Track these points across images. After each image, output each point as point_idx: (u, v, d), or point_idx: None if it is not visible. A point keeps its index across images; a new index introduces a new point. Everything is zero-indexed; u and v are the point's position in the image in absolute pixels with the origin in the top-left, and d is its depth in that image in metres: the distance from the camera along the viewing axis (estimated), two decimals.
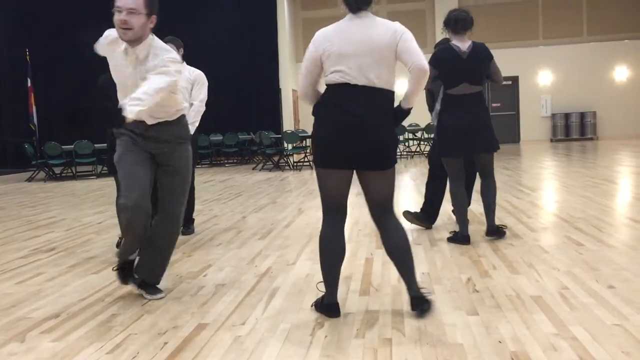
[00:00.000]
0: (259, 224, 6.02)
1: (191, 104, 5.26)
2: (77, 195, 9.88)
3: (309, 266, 4.14)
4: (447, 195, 5.17)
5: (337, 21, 2.96)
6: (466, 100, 4.47)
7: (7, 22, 17.71)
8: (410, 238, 4.81)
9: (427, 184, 5.33)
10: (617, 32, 18.66)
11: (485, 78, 4.59)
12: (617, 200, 6.51)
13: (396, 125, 2.96)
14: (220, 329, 2.97)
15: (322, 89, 3.01)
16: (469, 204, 5.05)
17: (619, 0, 18.62)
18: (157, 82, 3.03)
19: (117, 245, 4.91)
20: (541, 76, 19.19)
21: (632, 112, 18.82)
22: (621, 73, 18.79)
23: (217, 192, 9.32)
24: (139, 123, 3.26)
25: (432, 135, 5.96)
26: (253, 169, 13.84)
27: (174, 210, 3.45)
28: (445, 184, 5.23)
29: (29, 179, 13.52)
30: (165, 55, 3.18)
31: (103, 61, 3.44)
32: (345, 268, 3.97)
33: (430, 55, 4.57)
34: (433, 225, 5.32)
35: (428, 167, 5.40)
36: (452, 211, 5.43)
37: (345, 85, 2.86)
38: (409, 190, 8.35)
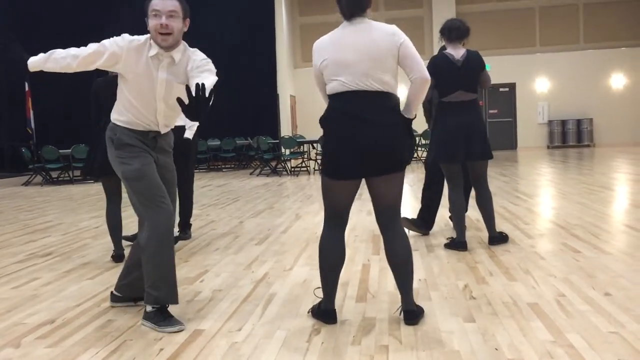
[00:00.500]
0: (256, 230, 6.01)
1: None
2: (74, 199, 9.86)
3: (306, 272, 4.13)
4: (444, 202, 5.17)
5: (335, 27, 2.98)
6: (461, 108, 4.49)
7: (5, 26, 17.71)
8: None
9: (424, 191, 5.34)
10: (614, 39, 18.75)
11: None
12: (614, 207, 6.53)
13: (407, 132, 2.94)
14: (216, 335, 2.96)
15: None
16: (466, 210, 5.06)
17: (615, 8, 18.72)
18: (211, 80, 2.89)
19: (113, 259, 4.75)
20: (538, 83, 19.26)
21: (629, 119, 18.89)
22: (618, 80, 18.87)
23: (214, 197, 9.31)
24: (150, 133, 3.18)
25: (428, 142, 6.00)
26: (250, 174, 13.83)
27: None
28: (442, 190, 5.24)
29: (26, 183, 13.49)
30: (198, 56, 3.11)
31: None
32: (342, 274, 3.97)
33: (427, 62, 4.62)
34: (430, 232, 5.32)
35: (425, 173, 5.42)
36: (449, 217, 5.43)
37: (347, 93, 2.86)
38: (406, 196, 8.35)
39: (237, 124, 16.88)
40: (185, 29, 3.11)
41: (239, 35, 17.58)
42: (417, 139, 15.67)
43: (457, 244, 4.60)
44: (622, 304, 3.12)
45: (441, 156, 4.61)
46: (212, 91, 2.68)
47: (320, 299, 3.11)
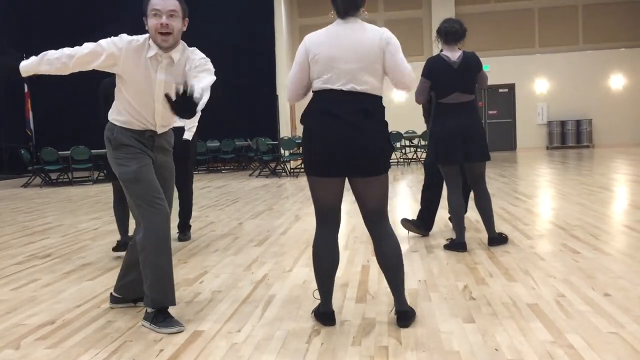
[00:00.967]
0: (255, 231, 6.01)
1: None
2: (73, 201, 9.85)
3: (306, 273, 4.13)
4: (444, 203, 5.17)
5: None
6: (458, 109, 4.50)
7: (3, 28, 17.71)
8: (407, 246, 4.85)
9: (423, 192, 5.34)
10: (613, 40, 18.77)
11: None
12: (613, 208, 6.53)
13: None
14: (216, 336, 2.96)
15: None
16: (465, 211, 5.06)
17: (615, 9, 18.75)
18: (207, 81, 2.88)
19: (114, 249, 4.88)
20: (537, 84, 19.27)
21: (628, 120, 18.91)
22: (617, 81, 18.89)
23: (213, 198, 9.31)
24: (147, 132, 3.17)
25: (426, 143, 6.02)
26: (250, 175, 13.83)
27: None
28: (441, 191, 5.24)
29: (25, 185, 13.48)
30: (197, 56, 3.09)
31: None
32: (341, 275, 3.97)
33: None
34: (429, 233, 5.32)
35: (424, 174, 5.42)
36: (449, 218, 5.44)
37: (332, 92, 2.85)
38: (405, 197, 8.35)
39: (236, 125, 16.88)
40: (184, 29, 3.10)
41: (239, 36, 17.59)
42: (416, 139, 15.69)
43: (457, 245, 4.60)
44: (622, 305, 3.12)
45: (439, 158, 4.61)
46: (205, 90, 2.69)
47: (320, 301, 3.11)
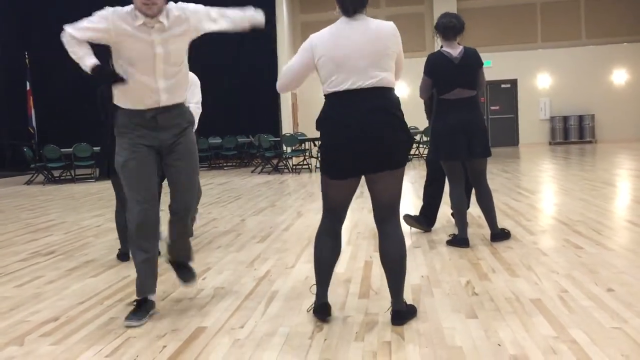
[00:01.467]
0: (258, 227, 6.02)
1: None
2: (76, 198, 9.87)
3: (308, 269, 4.13)
4: (446, 198, 5.17)
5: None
6: (460, 105, 4.49)
7: (5, 26, 17.73)
8: (409, 241, 4.85)
9: (426, 188, 5.35)
10: (615, 35, 18.70)
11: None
12: (616, 203, 6.52)
13: None
14: (219, 332, 2.96)
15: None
16: (467, 207, 5.06)
17: (617, 4, 18.67)
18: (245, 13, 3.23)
19: (118, 257, 4.77)
20: (540, 79, 19.22)
21: (631, 115, 18.86)
22: (620, 76, 18.83)
23: (216, 195, 9.32)
24: (149, 111, 3.14)
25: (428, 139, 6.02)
26: (252, 172, 13.84)
27: (183, 203, 3.28)
28: (443, 187, 5.24)
29: (28, 182, 13.51)
30: (187, 10, 3.15)
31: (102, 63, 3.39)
32: (344, 271, 3.98)
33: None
34: (432, 228, 5.32)
35: (426, 170, 5.42)
36: (452, 214, 5.43)
37: (343, 93, 2.83)
38: (408, 193, 8.35)
39: (238, 122, 16.89)
40: None
41: (240, 32, 17.55)
42: (418, 135, 15.66)
43: (459, 240, 4.60)
44: (625, 300, 3.12)
45: (441, 153, 4.60)
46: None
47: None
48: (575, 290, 3.34)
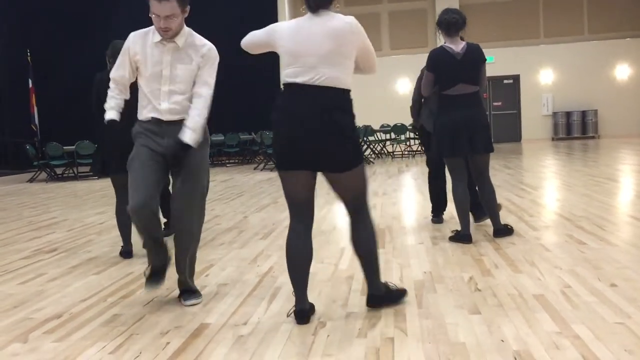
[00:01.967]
0: (260, 224, 6.02)
1: None
2: (78, 195, 9.89)
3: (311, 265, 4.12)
4: (449, 196, 5.17)
5: None
6: (462, 100, 4.47)
7: (7, 23, 17.74)
8: (414, 238, 4.84)
9: (429, 184, 5.41)
10: (618, 30, 18.64)
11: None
12: (619, 198, 6.51)
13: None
14: (222, 328, 2.97)
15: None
16: (470, 202, 5.05)
17: None
18: (200, 105, 3.36)
19: (121, 254, 4.76)
20: (542, 75, 19.17)
21: (634, 110, 18.80)
22: (623, 71, 18.77)
23: (218, 192, 9.33)
24: (157, 122, 3.27)
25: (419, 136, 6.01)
26: (254, 168, 13.85)
27: (185, 218, 3.30)
28: (445, 181, 5.27)
29: (31, 180, 13.53)
30: (200, 42, 3.28)
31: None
32: (346, 268, 3.98)
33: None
34: (437, 225, 5.36)
35: (427, 167, 5.49)
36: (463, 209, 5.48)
37: (296, 86, 2.85)
38: (410, 189, 8.34)
39: (240, 119, 16.87)
40: (186, 15, 3.22)
41: (241, 29, 17.47)
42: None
43: (462, 236, 4.59)
44: (628, 295, 3.11)
45: (444, 150, 4.59)
46: (199, 117, 3.37)
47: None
48: (578, 285, 3.34)
